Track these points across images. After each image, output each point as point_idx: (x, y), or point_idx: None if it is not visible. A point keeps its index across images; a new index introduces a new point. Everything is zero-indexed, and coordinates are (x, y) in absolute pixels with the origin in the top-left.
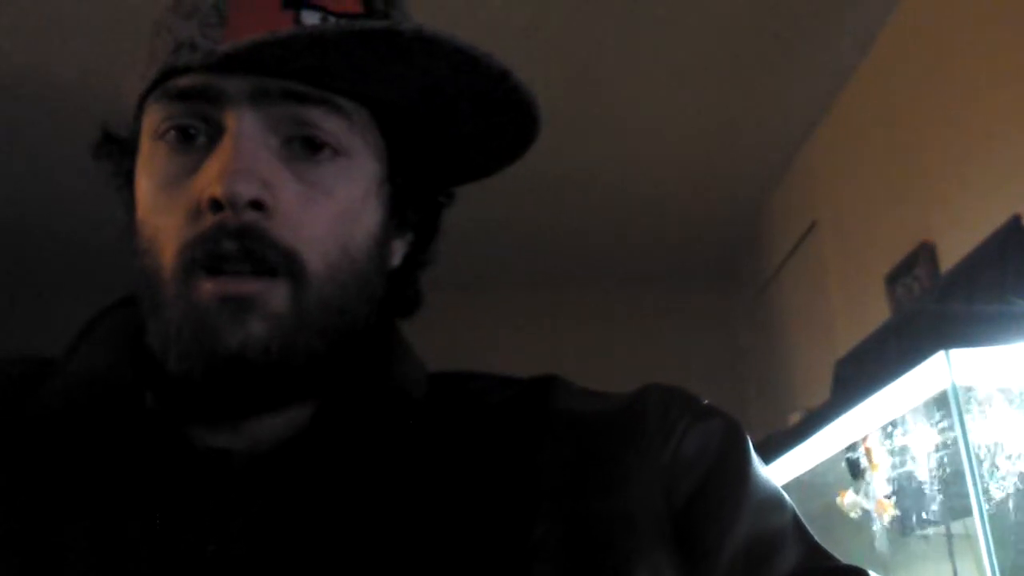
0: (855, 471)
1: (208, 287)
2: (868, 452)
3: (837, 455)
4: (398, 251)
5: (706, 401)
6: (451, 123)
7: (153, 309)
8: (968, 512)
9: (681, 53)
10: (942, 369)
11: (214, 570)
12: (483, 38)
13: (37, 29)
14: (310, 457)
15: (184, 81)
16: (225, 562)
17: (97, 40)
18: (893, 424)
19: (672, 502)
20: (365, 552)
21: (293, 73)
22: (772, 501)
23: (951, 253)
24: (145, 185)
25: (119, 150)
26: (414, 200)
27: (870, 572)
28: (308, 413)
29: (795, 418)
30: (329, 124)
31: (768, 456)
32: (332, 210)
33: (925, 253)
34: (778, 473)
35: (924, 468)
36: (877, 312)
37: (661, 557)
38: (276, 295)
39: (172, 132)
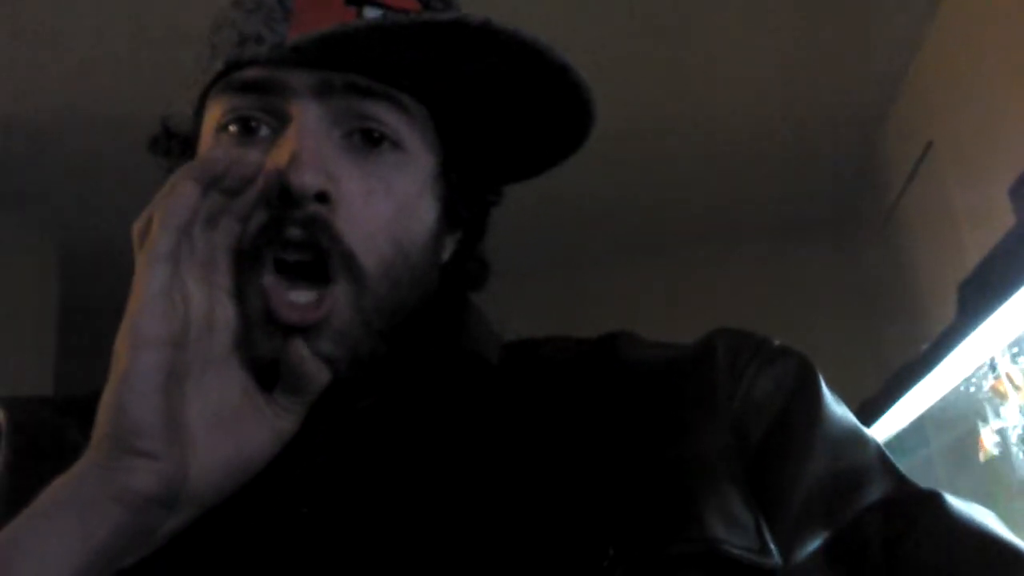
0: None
1: (274, 285)
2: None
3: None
4: (448, 248)
5: (777, 342)
6: (506, 119)
7: None
8: None
9: None
10: None
11: (309, 530)
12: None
13: None
14: (388, 418)
15: (249, 74)
16: (319, 523)
17: None
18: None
19: (744, 446)
20: (449, 516)
21: (358, 66)
22: (850, 437)
23: None
24: None
25: (178, 145)
26: (466, 197)
27: (945, 495)
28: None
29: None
30: (389, 118)
31: (895, 391)
32: (391, 204)
33: None
34: (906, 409)
35: None
36: (1004, 228)
37: (734, 500)
38: (339, 308)
39: (235, 124)
